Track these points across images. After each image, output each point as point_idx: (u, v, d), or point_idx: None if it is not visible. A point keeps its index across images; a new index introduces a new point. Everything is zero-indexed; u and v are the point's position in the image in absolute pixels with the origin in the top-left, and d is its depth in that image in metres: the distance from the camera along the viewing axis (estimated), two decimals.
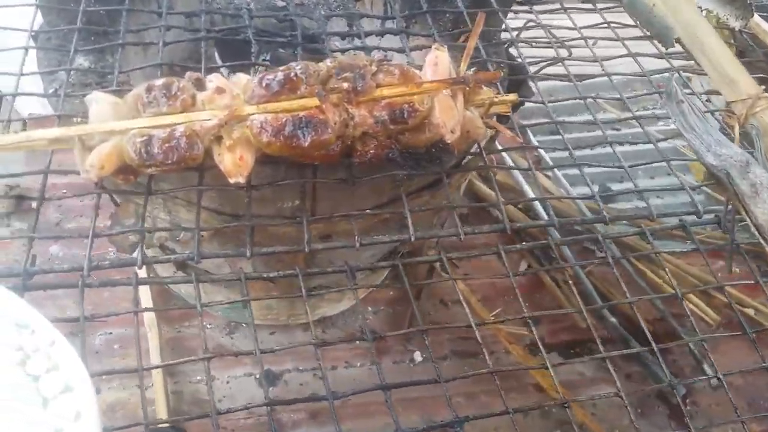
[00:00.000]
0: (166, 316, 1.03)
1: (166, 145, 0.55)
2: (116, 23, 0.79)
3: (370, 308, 1.12)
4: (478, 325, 0.58)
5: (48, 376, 0.47)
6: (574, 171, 0.77)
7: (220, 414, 0.50)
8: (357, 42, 0.78)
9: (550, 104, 0.72)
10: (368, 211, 0.65)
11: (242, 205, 0.73)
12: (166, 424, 0.68)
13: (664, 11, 0.67)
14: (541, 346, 0.57)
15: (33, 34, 0.75)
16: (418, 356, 1.06)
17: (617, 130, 1.41)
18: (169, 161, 0.55)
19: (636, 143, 0.77)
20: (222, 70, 0.76)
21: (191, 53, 1.04)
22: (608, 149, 0.71)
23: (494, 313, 1.10)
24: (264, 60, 0.93)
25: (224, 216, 0.74)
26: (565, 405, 0.54)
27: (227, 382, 1.00)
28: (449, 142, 0.60)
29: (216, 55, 0.96)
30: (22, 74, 0.70)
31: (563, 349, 1.10)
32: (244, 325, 1.06)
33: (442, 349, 1.06)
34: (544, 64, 0.79)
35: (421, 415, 0.99)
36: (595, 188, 1.41)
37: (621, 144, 0.68)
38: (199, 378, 0.98)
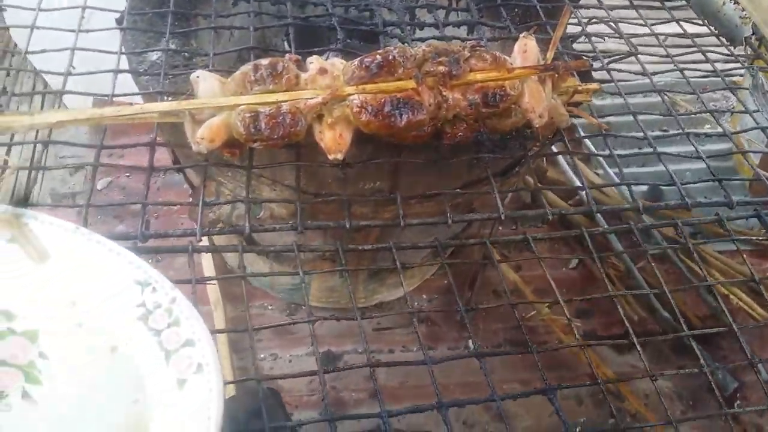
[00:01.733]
0: (230, 296, 1.06)
1: (273, 120, 0.58)
2: (195, 7, 0.84)
3: (424, 296, 1.14)
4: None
5: (169, 331, 0.50)
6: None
7: (327, 372, 0.53)
8: (435, 32, 0.80)
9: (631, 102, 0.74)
10: (458, 190, 0.67)
11: (325, 184, 0.76)
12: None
13: (748, 8, 0.69)
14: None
15: (117, 17, 0.79)
16: (472, 344, 1.09)
17: (665, 130, 1.43)
18: (275, 136, 0.58)
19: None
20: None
21: (259, 41, 1.07)
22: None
23: (547, 304, 1.12)
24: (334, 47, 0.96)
25: (306, 195, 0.76)
26: (653, 378, 0.56)
27: (289, 361, 1.03)
28: (537, 126, 0.63)
29: (285, 42, 1.00)
30: (121, 53, 0.73)
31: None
32: (303, 307, 1.09)
33: (496, 338, 1.08)
34: (616, 58, 0.81)
35: None
36: (644, 188, 1.44)
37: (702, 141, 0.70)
38: (262, 356, 1.01)
